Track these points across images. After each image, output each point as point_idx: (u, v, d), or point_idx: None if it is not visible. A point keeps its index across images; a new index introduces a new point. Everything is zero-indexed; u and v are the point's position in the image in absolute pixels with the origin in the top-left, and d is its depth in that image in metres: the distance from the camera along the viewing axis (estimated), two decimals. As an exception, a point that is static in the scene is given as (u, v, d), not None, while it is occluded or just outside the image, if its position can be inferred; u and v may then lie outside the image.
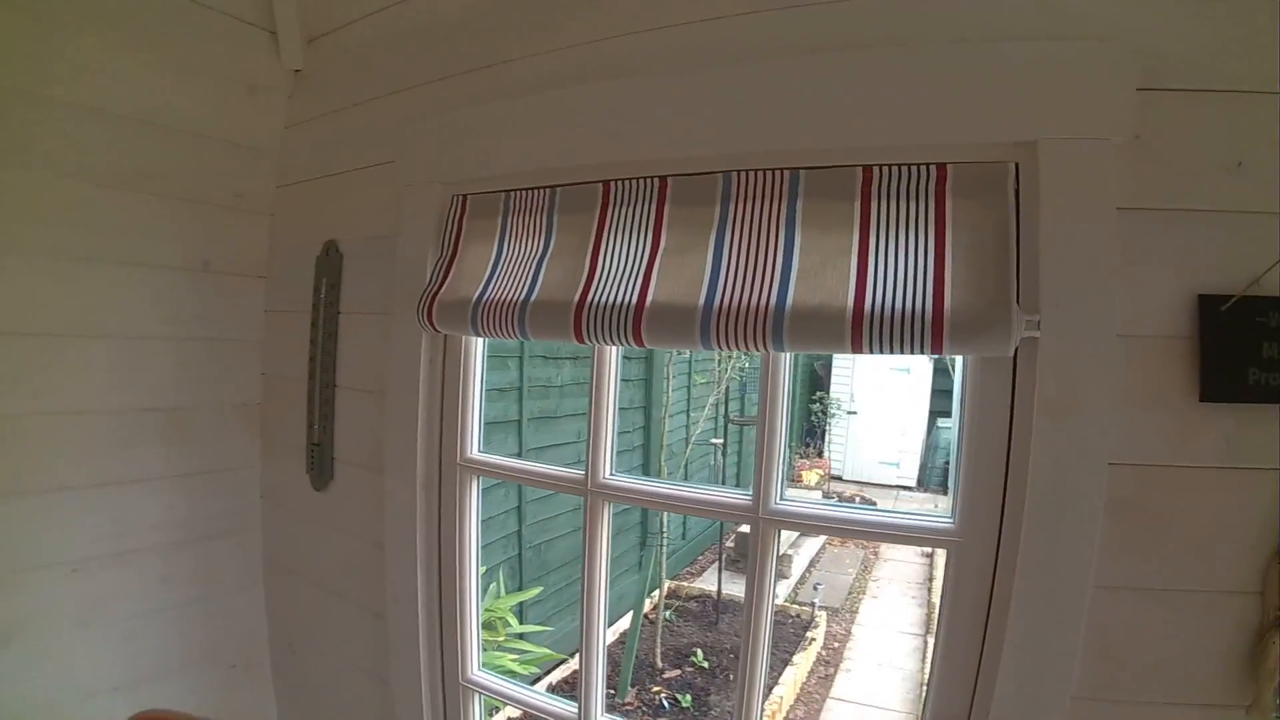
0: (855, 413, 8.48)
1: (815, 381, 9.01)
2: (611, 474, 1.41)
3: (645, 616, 4.55)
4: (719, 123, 1.21)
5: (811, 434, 8.78)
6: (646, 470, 5.04)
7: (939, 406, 8.32)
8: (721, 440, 5.70)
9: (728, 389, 5.66)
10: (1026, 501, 1.00)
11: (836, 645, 4.68)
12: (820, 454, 8.58)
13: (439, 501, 1.56)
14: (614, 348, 1.36)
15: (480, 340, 1.55)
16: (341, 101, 1.84)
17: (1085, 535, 0.98)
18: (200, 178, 1.84)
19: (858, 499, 7.29)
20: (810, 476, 7.84)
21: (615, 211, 1.34)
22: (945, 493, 7.56)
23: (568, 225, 1.38)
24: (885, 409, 8.27)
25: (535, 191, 1.43)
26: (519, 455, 3.68)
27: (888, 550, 6.48)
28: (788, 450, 1.32)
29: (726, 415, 5.90)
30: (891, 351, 1.06)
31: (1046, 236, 0.99)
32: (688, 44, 1.28)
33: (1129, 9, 0.99)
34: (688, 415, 5.00)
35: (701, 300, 1.16)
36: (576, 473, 1.43)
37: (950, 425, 7.87)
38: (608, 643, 4.67)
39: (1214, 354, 0.96)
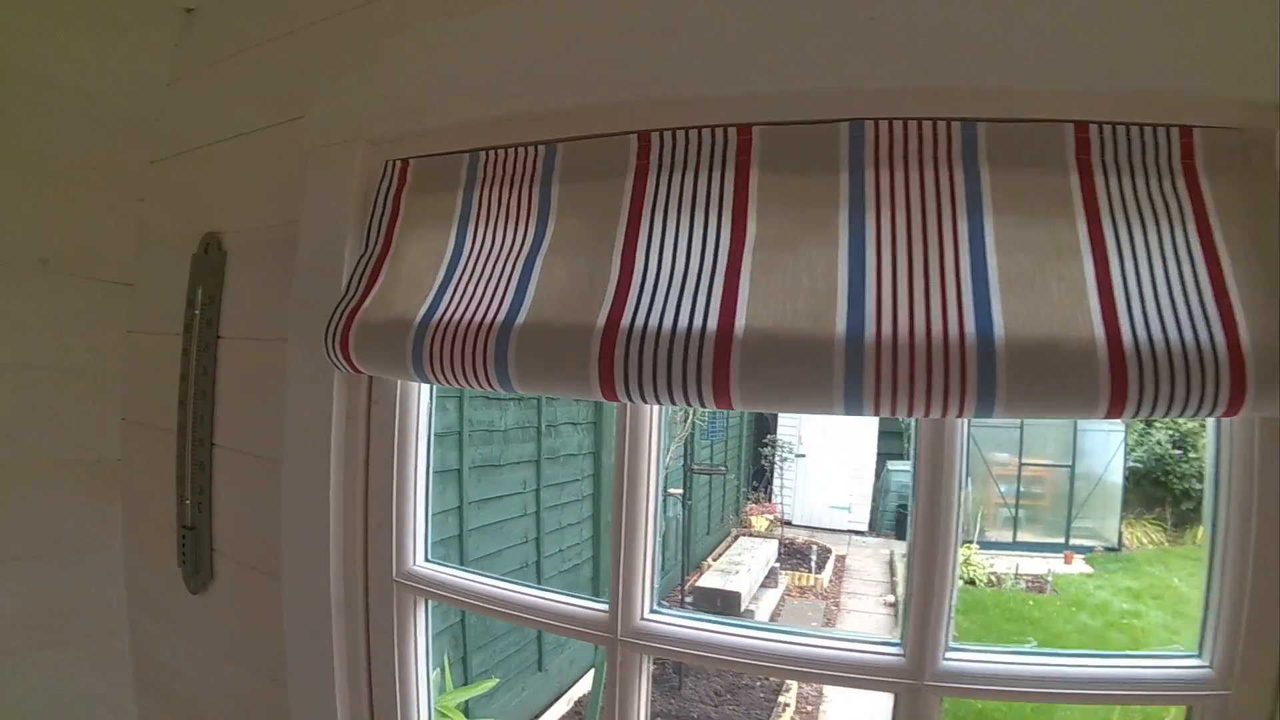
0: (804, 455, 8.22)
1: (762, 424, 8.74)
2: (652, 610, 0.88)
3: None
4: (839, 39, 0.73)
5: (760, 478, 8.54)
6: (596, 524, 4.46)
7: (887, 449, 8.07)
8: (681, 490, 5.18)
9: (692, 433, 5.15)
10: None
11: (809, 709, 4.18)
12: (770, 498, 8.35)
13: (365, 632, 1.00)
14: (661, 407, 0.84)
15: (424, 386, 1.01)
16: (237, 44, 1.28)
17: None
18: (39, 140, 1.26)
19: (813, 545, 6.96)
20: (760, 522, 7.63)
21: (661, 179, 0.82)
22: (896, 538, 7.28)
23: (577, 202, 0.87)
24: (834, 452, 8.02)
25: (519, 150, 0.91)
26: (458, 509, 3.10)
27: (849, 601, 6.01)
28: (659, 548, 0.76)
29: (687, 463, 5.38)
30: (1169, 414, 0.63)
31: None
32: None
33: None
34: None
35: (840, 327, 0.65)
36: (596, 609, 0.90)
37: (902, 469, 7.58)
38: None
39: None
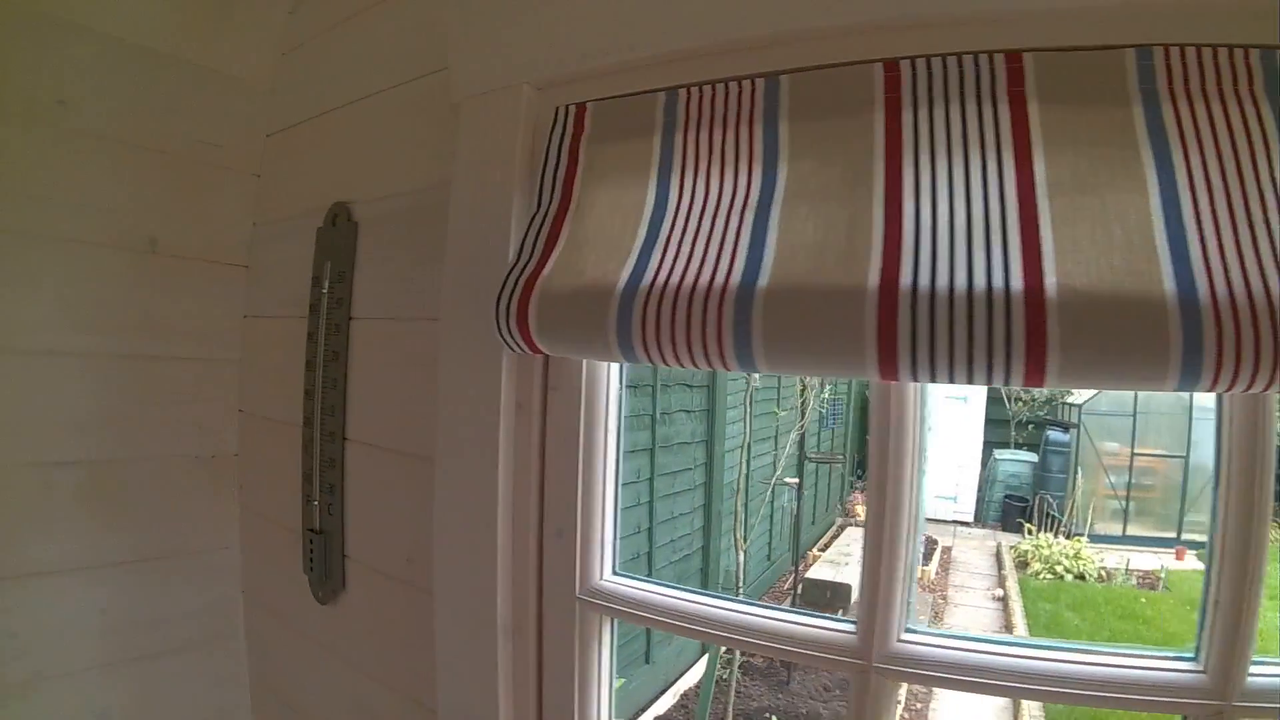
0: None
1: (869, 412, 8.39)
2: (906, 630, 0.71)
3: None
4: None
5: (866, 466, 8.10)
6: (708, 513, 4.32)
7: (994, 437, 7.64)
8: (797, 480, 4.95)
9: (806, 420, 4.91)
10: None
11: (919, 706, 3.93)
12: (876, 488, 8.02)
13: (538, 656, 0.86)
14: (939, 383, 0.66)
15: (614, 367, 0.86)
16: (358, 2, 1.16)
17: None
18: (147, 115, 1.18)
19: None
20: (865, 512, 7.21)
21: (920, 114, 0.66)
22: (1002, 528, 6.92)
23: (813, 142, 0.70)
24: (941, 441, 7.58)
25: (731, 85, 0.74)
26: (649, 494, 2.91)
27: (956, 595, 5.68)
28: (915, 552, 0.67)
29: (802, 451, 5.14)
30: None
31: None
32: None
33: None
34: (746, 451, 4.29)
35: (1169, 285, 0.52)
36: (843, 632, 0.74)
37: (1010, 458, 7.20)
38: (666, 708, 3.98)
39: None
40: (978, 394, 7.70)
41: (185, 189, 1.23)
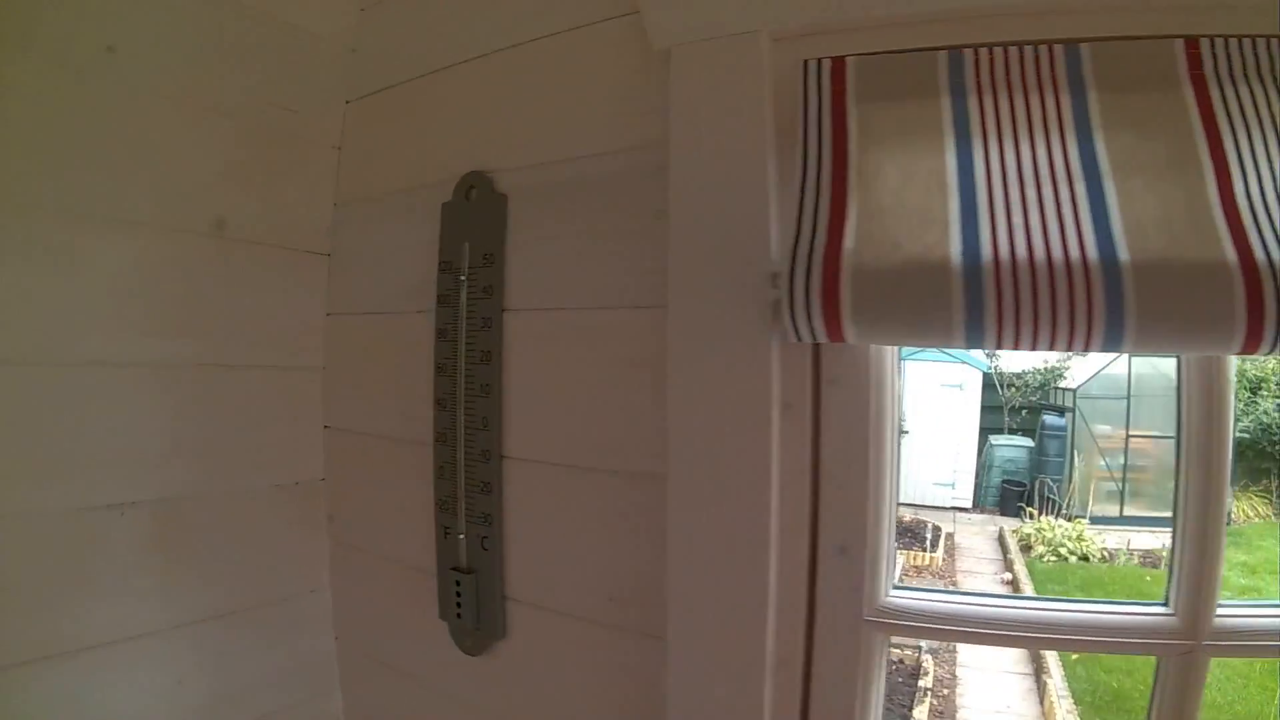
0: (908, 432, 7.71)
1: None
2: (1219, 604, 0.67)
3: None
4: None
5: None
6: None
7: (990, 424, 7.78)
8: None
9: None
10: None
11: (946, 693, 4.03)
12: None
13: (804, 693, 0.74)
14: None
15: (897, 354, 0.75)
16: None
17: None
18: (214, 69, 0.96)
19: (926, 523, 6.64)
20: None
21: (1227, 92, 0.63)
22: (1000, 513, 7.09)
23: (1126, 114, 0.65)
24: (937, 428, 7.66)
25: (1027, 49, 0.68)
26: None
27: (965, 580, 5.71)
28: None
29: None
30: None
31: None
32: None
33: None
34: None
35: None
36: (1157, 614, 0.68)
37: (1006, 443, 7.35)
38: None
39: None
40: (973, 381, 7.88)
41: (257, 161, 1.01)
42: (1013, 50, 0.68)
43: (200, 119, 0.95)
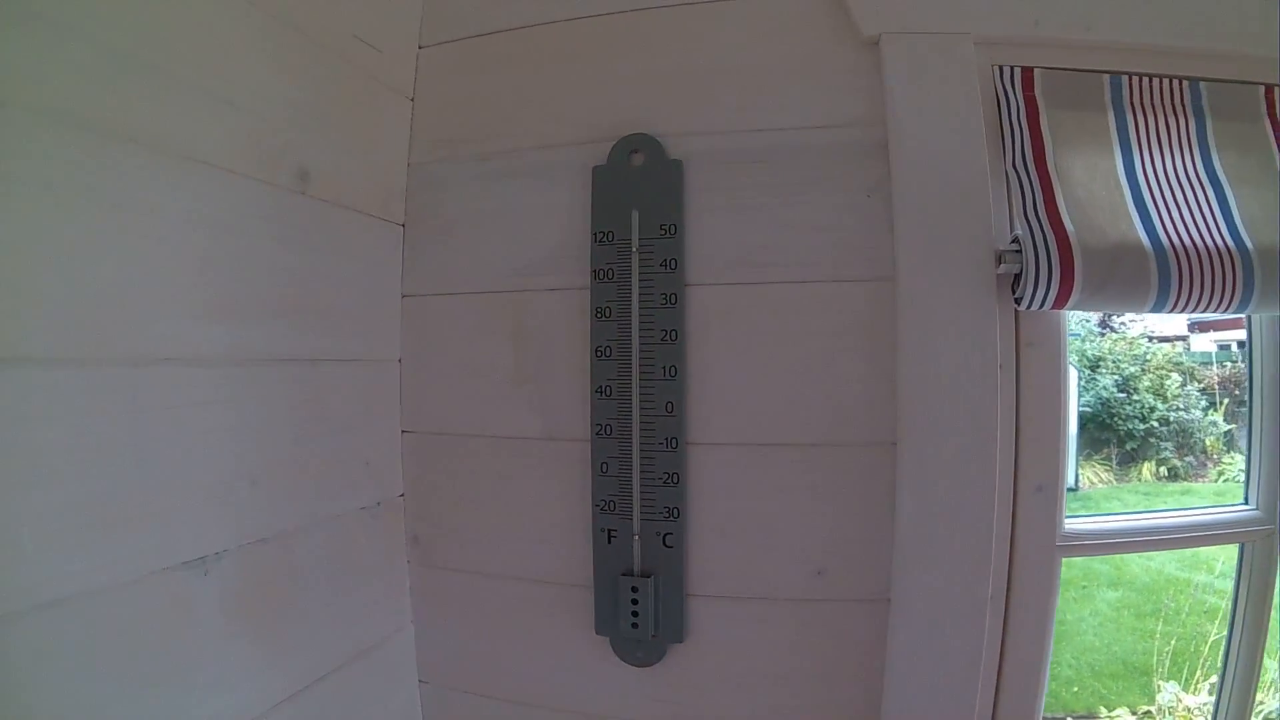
0: None
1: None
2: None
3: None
4: None
5: None
6: None
7: None
8: None
9: None
10: None
11: None
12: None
13: (1003, 617, 0.85)
14: None
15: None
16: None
17: None
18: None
19: None
20: None
21: None
22: None
23: (1231, 139, 0.85)
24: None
25: (1164, 81, 0.86)
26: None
27: None
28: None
29: None
30: None
31: None
32: None
33: None
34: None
35: None
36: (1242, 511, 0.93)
37: None
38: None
39: None
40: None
41: (340, 104, 0.77)
42: (1155, 80, 0.86)
43: (285, 34, 0.70)
